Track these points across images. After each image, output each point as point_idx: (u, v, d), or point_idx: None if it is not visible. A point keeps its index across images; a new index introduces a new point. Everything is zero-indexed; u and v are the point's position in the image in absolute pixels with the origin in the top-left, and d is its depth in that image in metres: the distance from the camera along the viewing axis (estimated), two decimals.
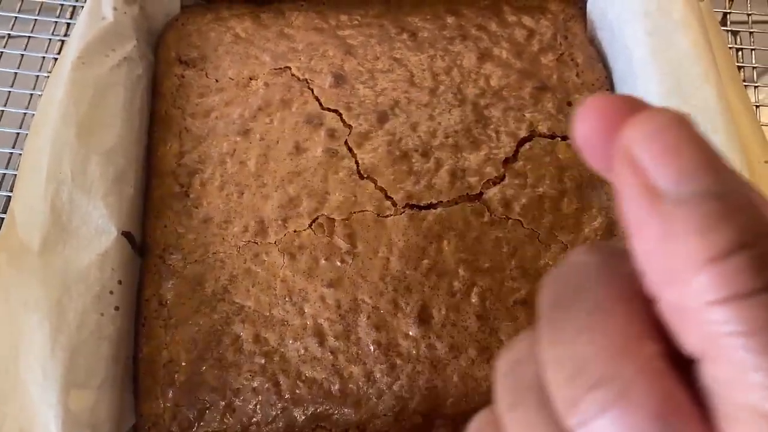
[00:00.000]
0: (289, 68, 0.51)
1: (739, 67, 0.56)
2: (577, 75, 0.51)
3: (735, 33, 0.59)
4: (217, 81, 0.51)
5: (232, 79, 0.51)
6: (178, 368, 0.43)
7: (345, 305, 0.43)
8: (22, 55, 0.57)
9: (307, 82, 0.50)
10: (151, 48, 0.54)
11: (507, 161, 0.47)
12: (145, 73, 0.51)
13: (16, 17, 0.59)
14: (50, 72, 0.56)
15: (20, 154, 0.52)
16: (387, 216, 0.45)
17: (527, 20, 0.53)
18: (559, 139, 0.48)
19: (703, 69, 0.45)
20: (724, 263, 0.13)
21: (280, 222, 0.46)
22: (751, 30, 0.59)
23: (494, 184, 0.46)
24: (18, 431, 0.38)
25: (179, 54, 0.53)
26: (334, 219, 0.45)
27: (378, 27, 0.53)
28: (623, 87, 0.50)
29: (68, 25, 0.59)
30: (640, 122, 0.15)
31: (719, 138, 0.43)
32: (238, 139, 0.48)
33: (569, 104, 0.50)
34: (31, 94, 0.56)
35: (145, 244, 0.47)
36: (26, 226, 0.42)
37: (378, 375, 0.42)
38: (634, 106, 0.16)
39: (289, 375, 0.42)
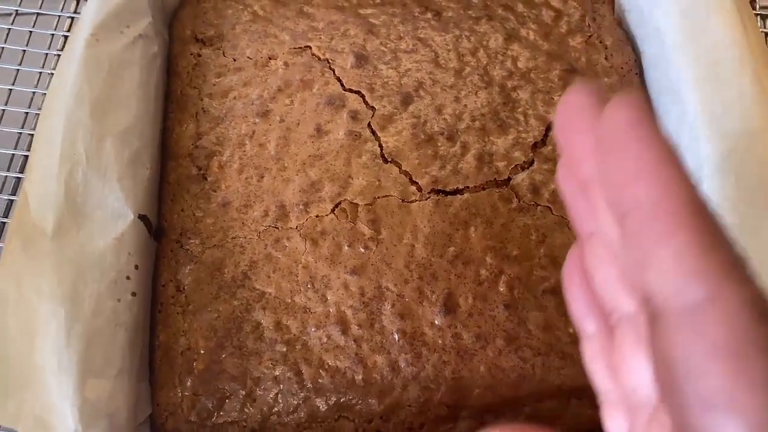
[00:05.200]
0: (310, 48, 0.49)
1: None
2: (606, 58, 0.50)
3: (764, 17, 0.57)
4: (234, 60, 0.50)
5: (251, 59, 0.49)
6: (197, 356, 0.42)
7: (369, 293, 0.42)
8: (31, 32, 0.55)
9: (329, 62, 0.49)
10: (166, 25, 0.52)
11: (536, 146, 0.46)
12: (160, 52, 0.49)
13: None
14: (60, 50, 0.54)
15: (30, 135, 0.51)
16: (412, 201, 0.44)
17: (555, 1, 0.52)
18: None
19: (739, 54, 0.43)
20: None
21: (301, 206, 0.44)
22: None
23: (522, 169, 0.45)
24: (34, 420, 0.37)
25: (195, 32, 0.51)
26: (357, 204, 0.44)
27: (401, 6, 0.51)
28: (654, 71, 0.48)
29: (78, 1, 0.57)
30: None
31: (755, 124, 0.41)
32: (257, 120, 0.47)
33: None
34: (40, 73, 0.54)
35: (161, 228, 0.45)
36: (40, 209, 0.41)
37: (403, 365, 0.41)
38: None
39: (311, 364, 0.41)
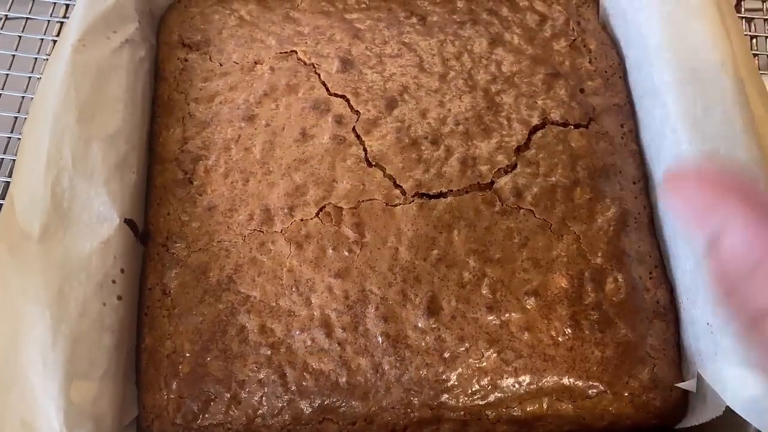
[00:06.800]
0: (296, 52, 0.50)
1: (754, 55, 0.55)
2: (590, 62, 0.50)
3: (749, 20, 0.58)
4: (221, 65, 0.50)
5: (237, 63, 0.50)
6: (182, 359, 0.42)
7: (353, 296, 0.42)
8: (20, 37, 0.56)
9: (314, 67, 0.49)
10: (154, 31, 0.52)
11: (519, 149, 0.46)
12: (147, 56, 0.49)
13: None
14: (49, 54, 0.54)
15: (18, 139, 0.51)
16: (396, 205, 0.44)
17: (539, 5, 0.52)
18: (572, 127, 0.47)
19: (720, 57, 0.44)
20: None
21: (286, 210, 0.44)
22: (766, 17, 0.57)
23: (506, 172, 0.45)
24: (19, 422, 0.37)
25: (182, 37, 0.51)
26: (341, 208, 0.44)
27: (386, 11, 0.51)
28: (637, 74, 0.49)
29: (67, 6, 0.57)
30: None
31: (736, 127, 0.42)
32: (243, 125, 0.47)
33: (582, 91, 0.49)
34: (30, 77, 0.54)
35: (147, 232, 0.46)
36: (26, 213, 0.41)
37: (386, 367, 0.41)
38: None
39: (295, 367, 0.41)
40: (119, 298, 0.42)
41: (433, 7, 0.52)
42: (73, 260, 0.41)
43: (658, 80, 0.45)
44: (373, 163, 0.45)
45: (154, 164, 0.47)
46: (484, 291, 0.42)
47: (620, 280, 0.43)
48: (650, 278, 0.44)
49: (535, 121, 0.47)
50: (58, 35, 0.55)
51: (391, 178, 0.45)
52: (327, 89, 0.48)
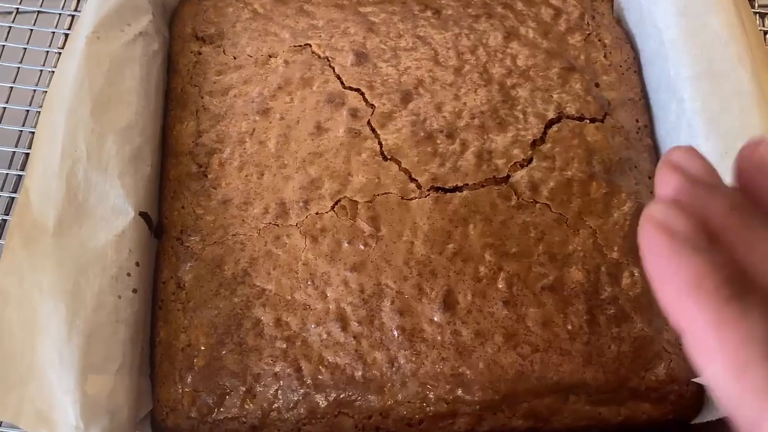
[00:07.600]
0: (310, 45, 0.50)
1: None
2: (605, 56, 0.50)
3: (763, 15, 0.57)
4: (235, 58, 0.50)
5: (251, 57, 0.49)
6: (197, 352, 0.42)
7: (368, 289, 0.42)
8: (31, 30, 0.55)
9: (328, 60, 0.49)
10: (167, 23, 0.52)
11: (534, 143, 0.46)
12: (161, 49, 0.49)
13: None
14: (61, 48, 0.54)
15: (30, 133, 0.51)
16: (411, 198, 0.44)
17: None
18: (588, 121, 0.47)
19: (737, 51, 0.43)
20: None
21: (301, 204, 0.44)
22: None
23: (521, 166, 0.45)
24: (35, 415, 0.37)
25: (195, 30, 0.51)
26: (357, 201, 0.44)
27: (400, 4, 0.51)
28: (652, 69, 0.49)
29: None
30: None
31: (753, 121, 0.42)
32: (257, 118, 0.47)
33: (597, 85, 0.48)
34: (41, 71, 0.54)
35: (161, 225, 0.45)
36: (41, 206, 0.41)
37: (402, 361, 0.41)
38: None
39: (311, 360, 0.41)
40: (134, 291, 0.42)
41: (447, 1, 0.51)
42: (89, 253, 0.41)
43: (673, 74, 0.45)
44: (389, 157, 0.45)
45: (168, 157, 0.47)
46: (501, 285, 0.42)
47: (636, 274, 0.43)
48: None
49: (551, 114, 0.47)
50: (69, 28, 0.55)
51: (406, 171, 0.45)
52: (341, 82, 0.48)
